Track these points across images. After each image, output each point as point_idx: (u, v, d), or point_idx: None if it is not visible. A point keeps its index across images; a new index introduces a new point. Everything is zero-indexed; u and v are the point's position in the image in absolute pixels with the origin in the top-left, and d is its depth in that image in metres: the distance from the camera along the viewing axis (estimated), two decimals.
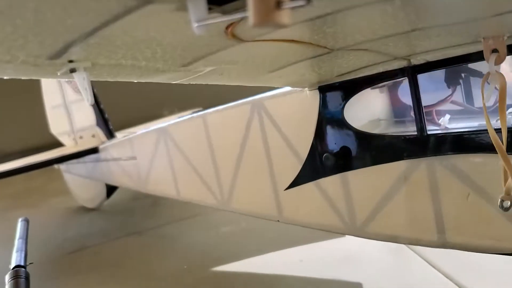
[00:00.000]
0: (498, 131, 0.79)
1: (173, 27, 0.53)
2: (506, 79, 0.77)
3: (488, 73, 0.78)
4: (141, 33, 0.55)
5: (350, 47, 0.77)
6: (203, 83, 0.89)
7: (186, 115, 2.97)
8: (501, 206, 0.80)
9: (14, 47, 0.53)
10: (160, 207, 2.28)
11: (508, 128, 0.82)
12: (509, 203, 0.80)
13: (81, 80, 0.63)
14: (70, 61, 0.61)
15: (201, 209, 1.62)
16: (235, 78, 0.90)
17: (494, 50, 0.77)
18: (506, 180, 0.78)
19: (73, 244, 2.11)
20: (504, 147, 0.78)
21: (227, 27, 0.56)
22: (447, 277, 1.35)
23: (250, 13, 0.38)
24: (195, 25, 0.45)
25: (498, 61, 0.76)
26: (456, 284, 1.31)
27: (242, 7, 0.43)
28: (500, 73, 0.77)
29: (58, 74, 0.64)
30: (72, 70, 0.63)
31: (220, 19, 0.44)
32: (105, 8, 0.44)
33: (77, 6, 0.44)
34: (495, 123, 0.90)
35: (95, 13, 0.46)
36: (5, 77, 0.65)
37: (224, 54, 0.69)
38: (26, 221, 1.53)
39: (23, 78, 0.67)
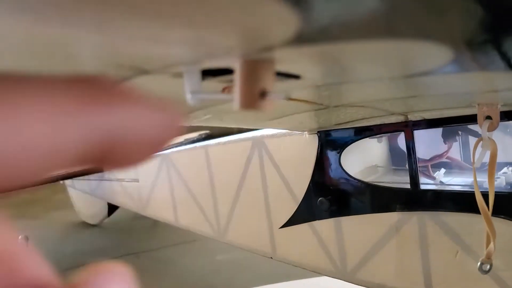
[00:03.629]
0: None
1: (171, 88, 0.55)
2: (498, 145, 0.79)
3: (481, 138, 0.79)
4: (141, 89, 0.57)
5: (346, 105, 0.79)
6: (204, 125, 0.92)
7: (192, 137, 3.01)
8: (480, 269, 0.80)
9: None
10: (158, 229, 2.29)
11: (497, 191, 0.84)
12: (488, 267, 0.81)
13: None
14: None
15: (199, 234, 1.63)
16: (235, 123, 0.93)
17: (488, 117, 0.78)
18: (488, 243, 0.79)
19: (70, 260, 2.12)
20: (490, 211, 0.79)
21: (223, 89, 0.58)
22: None
23: (237, 98, 0.40)
24: (189, 96, 0.47)
25: (491, 128, 0.78)
26: None
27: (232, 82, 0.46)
28: (493, 139, 0.78)
29: None
30: None
31: (212, 96, 0.46)
32: (104, 73, 0.47)
33: (79, 70, 0.46)
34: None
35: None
36: None
37: (223, 106, 0.71)
38: (25, 239, 1.55)
39: None
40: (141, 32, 0.33)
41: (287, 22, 0.29)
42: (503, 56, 0.45)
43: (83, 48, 0.38)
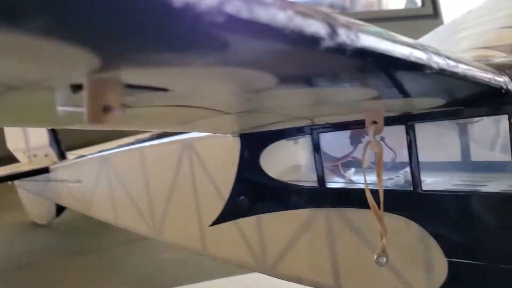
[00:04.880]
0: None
1: (45, 100, 0.58)
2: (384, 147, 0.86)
3: (369, 141, 0.86)
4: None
5: (247, 111, 0.85)
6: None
7: (143, 137, 3.02)
8: (377, 262, 0.87)
9: None
10: (106, 229, 2.31)
11: (394, 189, 0.92)
12: (384, 259, 0.88)
13: None
14: None
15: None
16: (150, 127, 0.98)
17: (375, 122, 0.86)
18: (382, 238, 0.86)
19: (18, 260, 2.15)
20: (381, 209, 0.86)
21: None
22: None
23: (85, 112, 0.45)
24: (59, 108, 0.52)
25: (377, 132, 0.85)
26: None
27: None
28: (378, 141, 0.85)
29: None
30: None
31: (74, 109, 0.51)
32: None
33: None
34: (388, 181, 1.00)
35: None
36: None
37: None
38: None
39: None
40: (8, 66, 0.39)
41: (90, 59, 0.35)
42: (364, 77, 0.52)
43: None
